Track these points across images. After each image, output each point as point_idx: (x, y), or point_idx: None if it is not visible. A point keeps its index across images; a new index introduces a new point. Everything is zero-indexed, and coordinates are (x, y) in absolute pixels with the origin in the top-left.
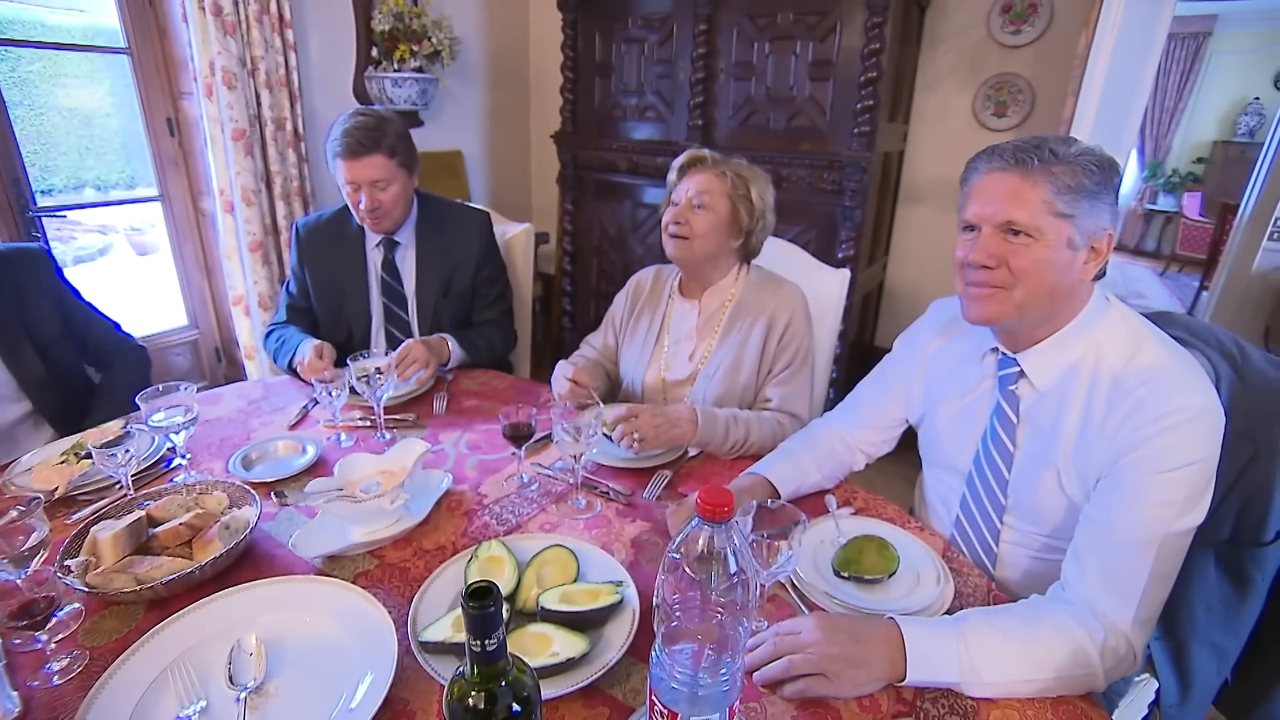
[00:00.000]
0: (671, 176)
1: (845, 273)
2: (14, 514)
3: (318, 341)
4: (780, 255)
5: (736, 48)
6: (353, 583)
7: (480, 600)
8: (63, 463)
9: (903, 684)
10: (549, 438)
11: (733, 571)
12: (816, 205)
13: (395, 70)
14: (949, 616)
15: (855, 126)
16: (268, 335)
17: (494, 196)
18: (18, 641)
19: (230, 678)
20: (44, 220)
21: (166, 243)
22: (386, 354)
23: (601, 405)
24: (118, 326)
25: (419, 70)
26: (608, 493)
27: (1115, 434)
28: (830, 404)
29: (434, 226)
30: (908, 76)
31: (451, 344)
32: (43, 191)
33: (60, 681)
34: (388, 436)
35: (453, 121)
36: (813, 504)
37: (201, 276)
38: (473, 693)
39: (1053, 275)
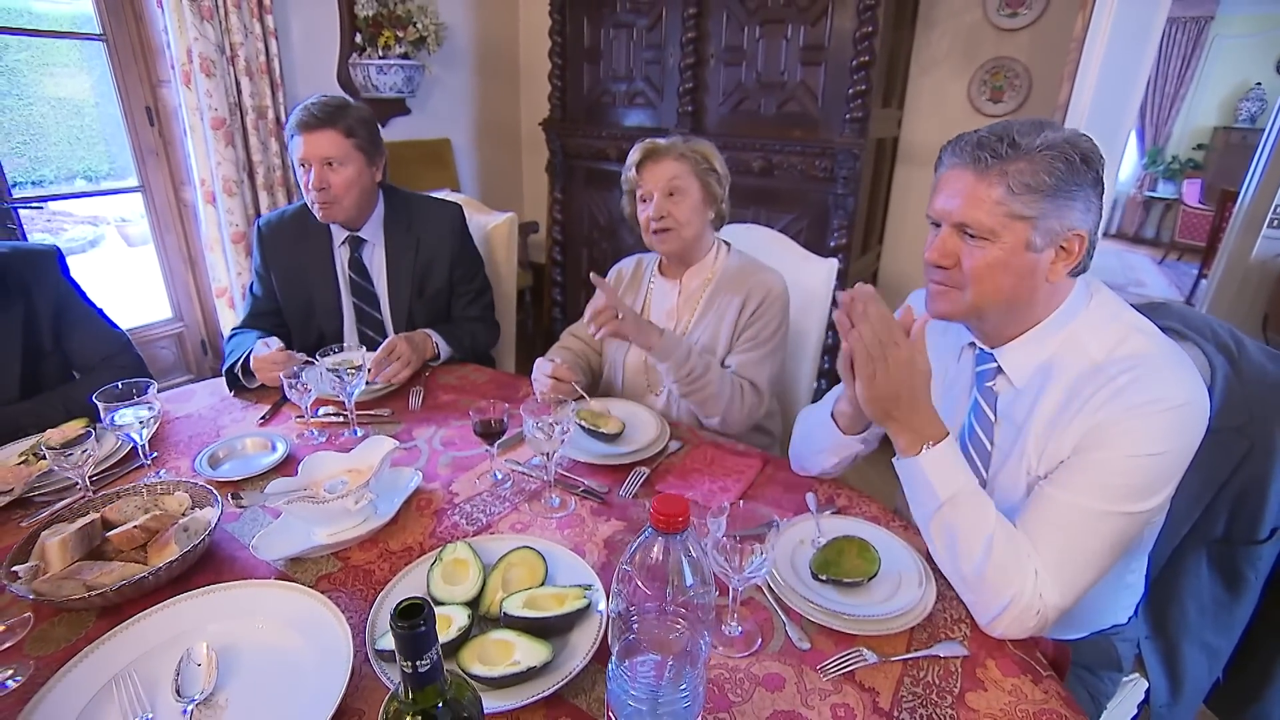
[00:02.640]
0: (630, 174)
1: (833, 262)
2: None
3: (262, 343)
4: (768, 245)
5: (726, 32)
6: (315, 586)
7: (409, 620)
8: (22, 462)
9: (905, 455)
10: (523, 434)
11: (689, 584)
12: (808, 193)
13: (380, 57)
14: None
15: (848, 112)
16: (227, 340)
17: (483, 185)
18: None
19: (177, 689)
20: (19, 211)
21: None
22: (360, 349)
23: (588, 398)
24: (117, 332)
25: (404, 57)
26: (583, 490)
27: (1090, 417)
28: (818, 394)
29: (402, 223)
30: (902, 61)
31: (437, 340)
32: (33, 182)
33: (3, 691)
34: (360, 433)
35: (440, 109)
36: (795, 502)
37: (185, 268)
38: (407, 716)
39: (1008, 279)
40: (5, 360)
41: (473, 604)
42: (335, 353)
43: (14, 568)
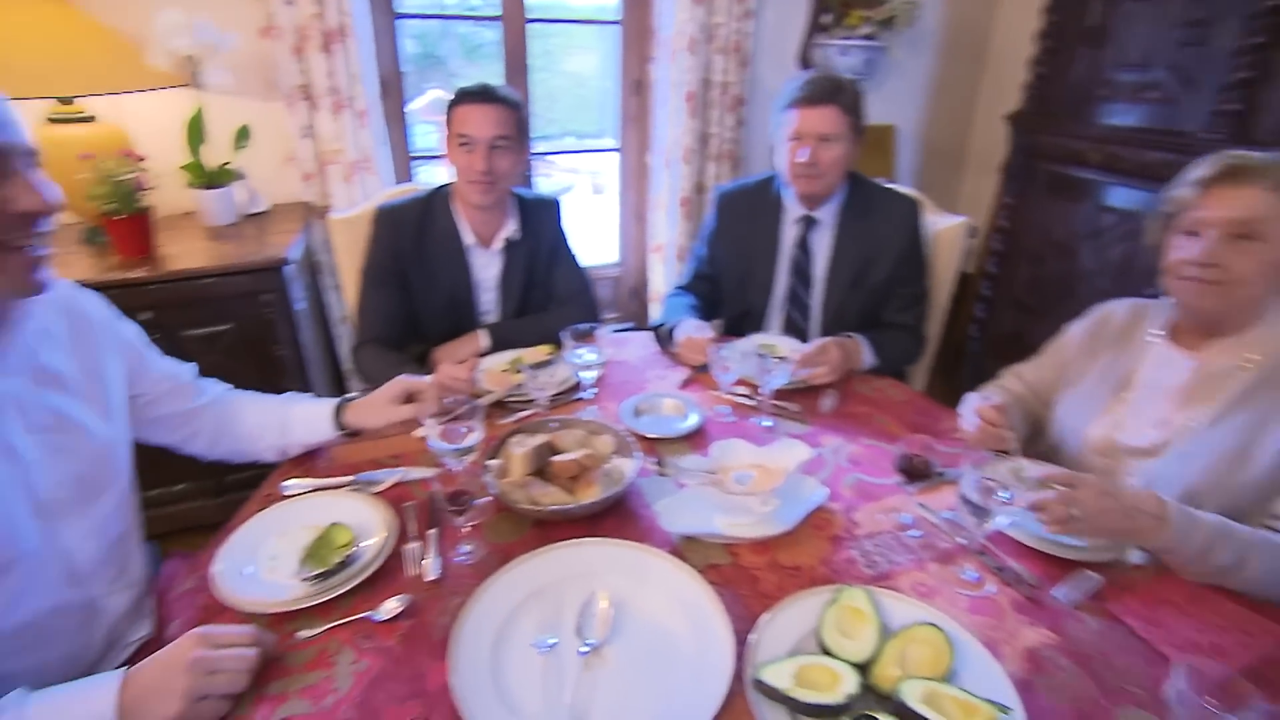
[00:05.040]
0: (1184, 193)
1: None
2: (464, 409)
3: (696, 323)
4: None
5: None
6: (703, 573)
7: None
8: (505, 371)
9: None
10: (946, 479)
11: None
12: None
13: (844, 37)
14: None
15: None
16: (666, 297)
17: (921, 178)
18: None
19: (579, 629)
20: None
21: (615, 188)
22: (789, 339)
23: (1022, 458)
24: (585, 275)
25: (869, 37)
26: (1006, 573)
27: None
28: None
29: (859, 210)
30: None
31: (865, 350)
32: (542, 138)
33: (467, 561)
34: (769, 423)
35: (892, 94)
36: None
37: (634, 222)
38: None
39: None
40: (513, 284)
41: (862, 667)
42: (763, 337)
43: (487, 462)
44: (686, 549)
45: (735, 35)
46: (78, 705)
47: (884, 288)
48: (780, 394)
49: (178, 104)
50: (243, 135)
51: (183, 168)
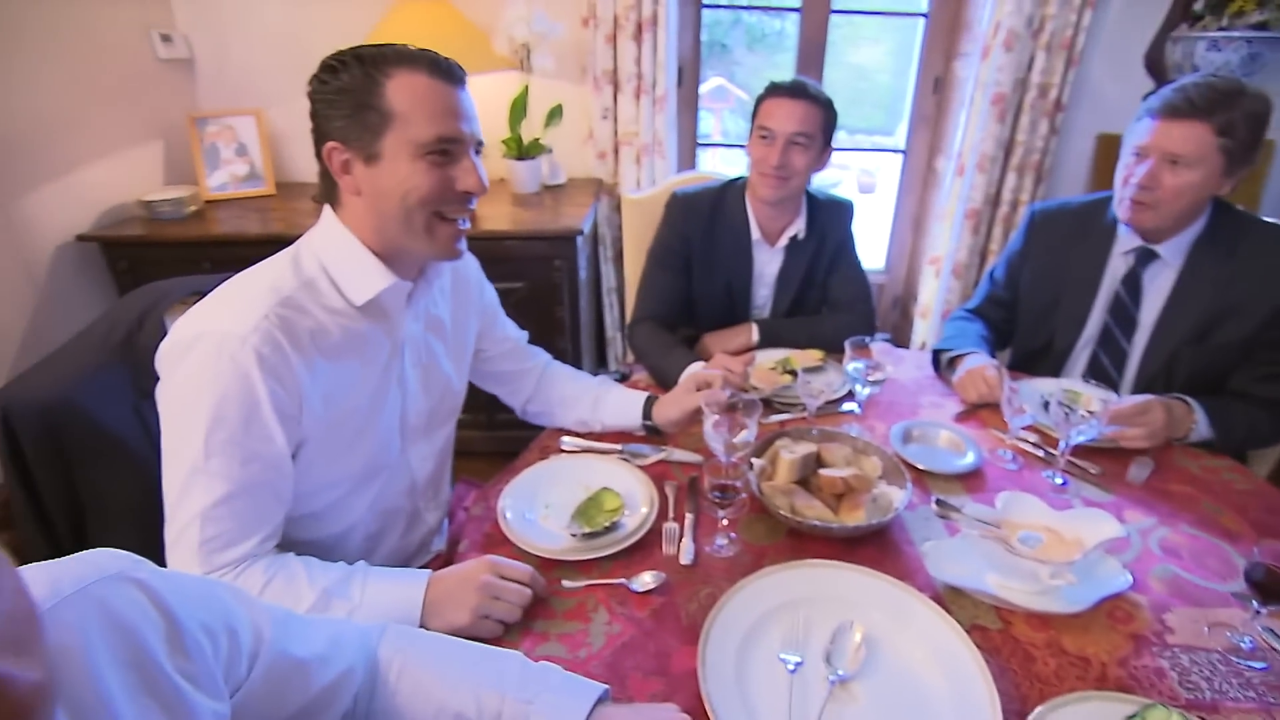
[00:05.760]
0: None
1: None
2: (741, 403)
3: (988, 360)
4: None
5: None
6: (968, 632)
7: None
8: (773, 370)
9: None
10: None
11: None
12: None
13: (1221, 28)
14: None
15: None
16: (951, 319)
17: None
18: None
19: (829, 656)
20: None
21: (889, 189)
22: (1098, 389)
23: None
24: (866, 282)
25: (1261, 27)
26: None
27: None
28: None
29: (1222, 249)
30: None
31: (1199, 420)
32: None
33: (720, 554)
34: (1061, 481)
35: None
36: None
37: (909, 229)
38: None
39: None
40: (790, 282)
41: None
42: (1069, 382)
43: (752, 460)
44: (950, 600)
45: (1068, 29)
46: (399, 588)
47: (1240, 348)
48: (1078, 450)
49: (507, 85)
50: (554, 114)
51: (503, 140)
